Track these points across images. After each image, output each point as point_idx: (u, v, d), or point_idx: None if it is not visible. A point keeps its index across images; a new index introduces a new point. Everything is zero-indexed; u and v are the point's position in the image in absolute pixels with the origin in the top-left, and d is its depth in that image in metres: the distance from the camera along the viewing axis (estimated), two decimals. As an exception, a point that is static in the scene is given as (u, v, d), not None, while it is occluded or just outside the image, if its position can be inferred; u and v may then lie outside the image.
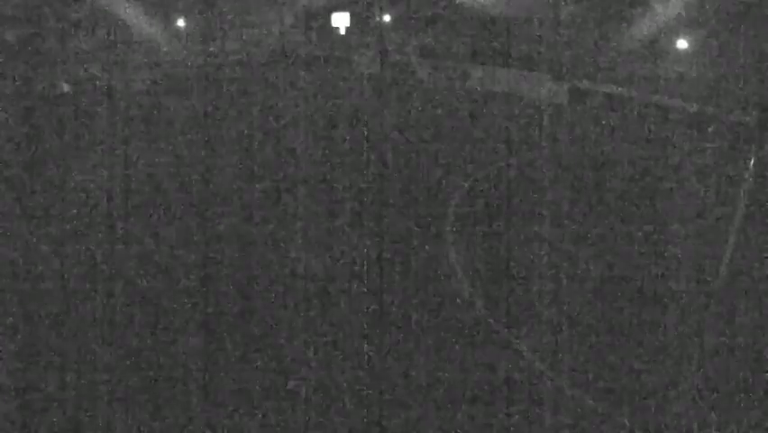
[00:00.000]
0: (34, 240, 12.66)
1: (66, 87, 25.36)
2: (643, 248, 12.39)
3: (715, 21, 21.99)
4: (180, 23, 32.03)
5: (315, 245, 12.42)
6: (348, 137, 19.76)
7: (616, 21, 25.38)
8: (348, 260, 11.86)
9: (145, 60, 29.42)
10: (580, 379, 8.58)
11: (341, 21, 31.40)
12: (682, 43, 23.50)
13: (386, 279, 11.13)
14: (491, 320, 9.97)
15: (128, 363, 8.86)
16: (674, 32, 23.64)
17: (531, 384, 8.52)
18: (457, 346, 9.30)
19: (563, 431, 7.71)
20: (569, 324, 9.80)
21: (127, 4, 28.19)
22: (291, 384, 8.22)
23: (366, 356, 9.01)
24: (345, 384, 8.46)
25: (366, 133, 20.18)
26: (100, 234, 12.89)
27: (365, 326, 9.75)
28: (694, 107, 20.92)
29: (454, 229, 13.33)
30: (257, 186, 15.70)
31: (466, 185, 15.82)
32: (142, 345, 9.25)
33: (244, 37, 34.52)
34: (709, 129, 20.15)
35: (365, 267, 11.60)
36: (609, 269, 11.59)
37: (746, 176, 10.50)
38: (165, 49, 29.97)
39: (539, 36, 27.24)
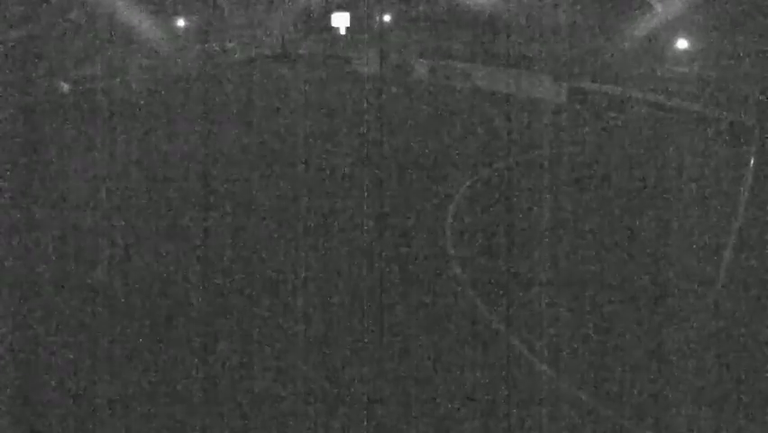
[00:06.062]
0: (34, 240, 12.66)
1: (66, 87, 25.35)
2: (643, 248, 12.40)
3: (715, 21, 21.98)
4: (180, 22, 32.02)
5: (316, 244, 12.42)
6: (348, 137, 19.76)
7: (616, 21, 25.36)
8: (348, 259, 11.86)
9: (145, 60, 29.42)
10: (580, 379, 8.58)
11: (341, 21, 31.38)
12: (682, 43, 23.49)
13: (386, 279, 11.13)
14: (492, 320, 9.97)
15: (128, 363, 8.87)
16: (674, 32, 23.63)
17: (531, 384, 8.52)
18: (457, 346, 9.30)
19: (563, 431, 7.71)
20: (569, 324, 9.80)
21: (127, 4, 28.17)
22: None
23: (366, 357, 9.01)
24: (345, 385, 8.46)
25: (366, 132, 20.18)
26: (100, 234, 12.89)
27: (365, 326, 9.75)
28: (694, 107, 20.92)
29: (454, 229, 13.32)
30: (257, 185, 15.70)
31: (466, 185, 15.82)
32: (142, 346, 9.26)
33: (244, 37, 34.51)
34: (709, 129, 20.13)
35: (365, 266, 11.60)
36: (610, 268, 11.59)
37: (746, 176, 10.50)
38: (165, 49, 29.95)
39: (539, 36, 27.22)
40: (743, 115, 18.93)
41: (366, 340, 9.36)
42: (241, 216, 13.85)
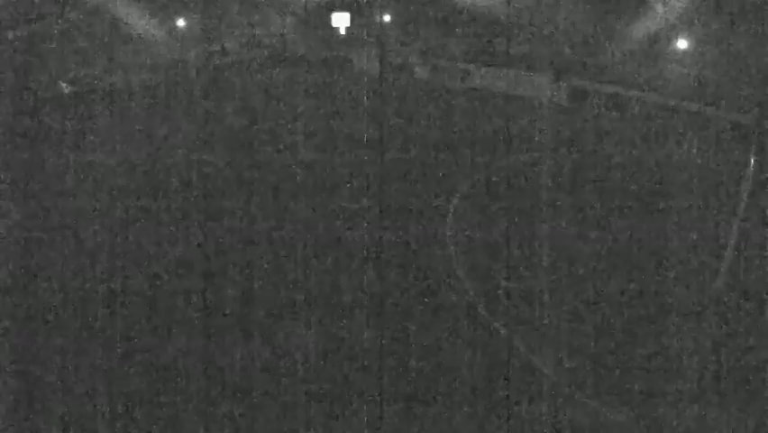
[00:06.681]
0: (34, 240, 12.66)
1: (66, 87, 25.33)
2: (642, 248, 12.38)
3: (715, 21, 21.96)
4: (180, 22, 32.00)
5: (315, 244, 12.42)
6: (348, 137, 19.75)
7: (616, 21, 25.33)
8: (348, 260, 11.86)
9: (145, 60, 29.40)
10: (581, 379, 8.58)
11: (341, 21, 31.34)
12: (682, 43, 23.46)
13: (386, 278, 11.12)
14: (491, 320, 9.97)
15: (128, 363, 8.87)
16: (674, 32, 23.60)
17: (530, 383, 8.53)
18: (457, 346, 9.30)
19: (563, 431, 7.71)
20: (569, 324, 9.80)
21: (127, 4, 28.15)
22: None
23: (366, 356, 9.01)
24: (345, 384, 8.47)
25: (366, 132, 20.17)
26: (100, 234, 12.89)
27: (365, 326, 9.75)
28: (694, 107, 20.90)
29: (454, 229, 13.33)
30: (257, 186, 15.70)
31: (466, 185, 15.82)
32: (142, 346, 9.27)
33: (244, 37, 34.48)
34: (709, 129, 20.12)
35: (365, 267, 11.60)
36: (609, 268, 11.59)
37: (746, 176, 10.50)
38: (165, 49, 29.93)
39: (539, 36, 27.20)
40: (743, 115, 18.91)
41: (366, 340, 9.36)
42: (241, 215, 13.85)
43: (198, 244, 12.43)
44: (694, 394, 8.24)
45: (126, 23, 28.41)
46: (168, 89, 26.43)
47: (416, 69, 30.49)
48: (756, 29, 19.95)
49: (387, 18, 32.88)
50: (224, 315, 10.03)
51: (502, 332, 9.64)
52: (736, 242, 10.48)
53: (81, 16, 27.68)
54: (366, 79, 28.70)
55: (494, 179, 16.45)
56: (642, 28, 24.70)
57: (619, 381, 8.54)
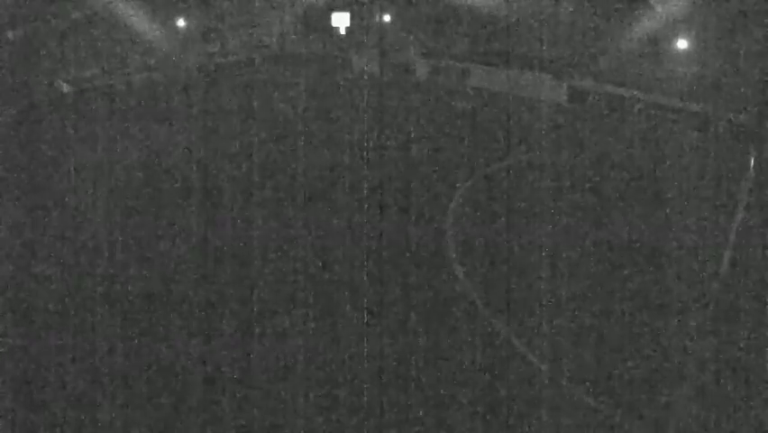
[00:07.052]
0: (34, 240, 12.66)
1: (66, 87, 25.33)
2: (643, 248, 12.39)
3: (715, 21, 21.97)
4: (180, 22, 32.02)
5: (315, 245, 12.42)
6: (347, 137, 19.75)
7: (616, 21, 25.34)
8: (347, 260, 11.86)
9: (145, 60, 29.41)
10: (581, 379, 8.58)
11: (341, 21, 31.32)
12: (682, 43, 23.47)
13: (385, 279, 11.13)
14: (492, 320, 9.98)
15: (128, 362, 8.87)
16: (674, 32, 23.60)
17: (531, 384, 8.53)
18: (457, 346, 9.30)
19: (563, 431, 7.71)
20: (569, 323, 9.80)
21: (127, 4, 28.16)
22: None
23: (365, 356, 9.01)
24: (344, 382, 8.47)
25: (366, 133, 20.17)
26: (100, 234, 12.89)
27: (365, 326, 9.75)
28: (694, 107, 20.91)
29: (454, 228, 13.32)
30: (257, 186, 15.70)
31: (466, 185, 15.82)
32: (142, 345, 9.27)
33: (244, 37, 34.50)
34: (709, 129, 20.13)
35: (365, 267, 11.60)
36: (609, 269, 11.59)
37: (746, 176, 10.51)
38: (165, 49, 29.94)
39: (539, 36, 27.20)
40: (743, 115, 18.92)
41: (366, 340, 9.37)
42: (240, 215, 13.84)
43: (198, 244, 12.43)
44: (694, 394, 8.24)
45: (126, 24, 28.41)
46: (168, 89, 26.43)
47: (417, 68, 30.51)
48: (756, 29, 19.94)
49: (387, 18, 32.89)
50: (224, 314, 10.03)
51: (502, 332, 9.65)
52: (736, 242, 10.49)
53: (81, 16, 27.68)
54: (366, 79, 28.71)
55: (494, 178, 16.45)
56: (642, 28, 24.71)
57: (619, 380, 8.54)
